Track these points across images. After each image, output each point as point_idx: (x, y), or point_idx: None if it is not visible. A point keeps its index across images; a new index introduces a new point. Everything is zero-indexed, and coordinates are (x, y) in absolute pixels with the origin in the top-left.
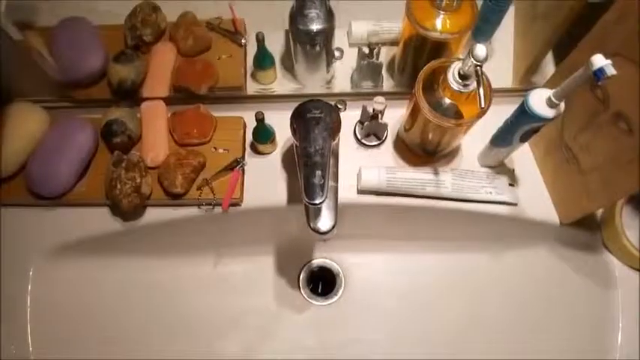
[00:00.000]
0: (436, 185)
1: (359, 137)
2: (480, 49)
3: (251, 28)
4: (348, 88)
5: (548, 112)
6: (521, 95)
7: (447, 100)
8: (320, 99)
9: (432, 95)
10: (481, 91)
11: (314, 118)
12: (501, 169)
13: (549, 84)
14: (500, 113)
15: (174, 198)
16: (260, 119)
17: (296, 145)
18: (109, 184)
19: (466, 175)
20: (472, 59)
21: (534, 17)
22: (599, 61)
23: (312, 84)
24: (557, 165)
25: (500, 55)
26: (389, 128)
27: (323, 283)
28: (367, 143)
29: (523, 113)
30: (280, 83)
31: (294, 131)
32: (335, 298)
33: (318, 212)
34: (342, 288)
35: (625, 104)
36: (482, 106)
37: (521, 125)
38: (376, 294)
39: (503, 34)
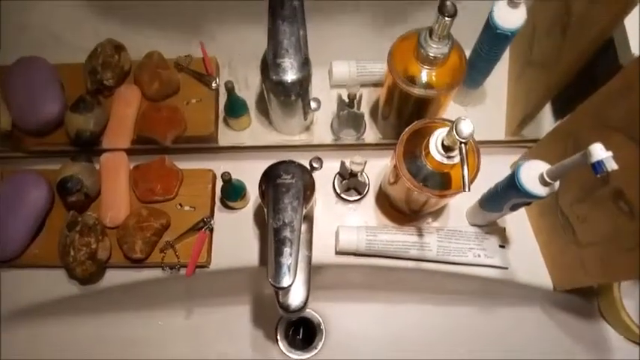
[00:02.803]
0: (420, 248)
1: (338, 192)
2: (465, 126)
3: (225, 66)
4: (328, 134)
5: (541, 191)
6: (516, 146)
7: (431, 167)
8: (292, 161)
9: (414, 161)
10: (465, 171)
11: (284, 185)
12: (491, 227)
13: (542, 148)
14: (492, 165)
15: (135, 262)
16: (227, 180)
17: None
18: (62, 249)
19: (453, 235)
20: (455, 134)
21: (529, 63)
22: (598, 152)
23: (290, 130)
24: (552, 229)
25: (493, 100)
26: (372, 179)
27: (303, 334)
28: (347, 198)
29: (513, 187)
30: (255, 129)
31: (262, 195)
32: (315, 352)
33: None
34: (323, 340)
35: (626, 184)
36: (466, 190)
37: (510, 198)
38: (360, 347)
39: (498, 77)
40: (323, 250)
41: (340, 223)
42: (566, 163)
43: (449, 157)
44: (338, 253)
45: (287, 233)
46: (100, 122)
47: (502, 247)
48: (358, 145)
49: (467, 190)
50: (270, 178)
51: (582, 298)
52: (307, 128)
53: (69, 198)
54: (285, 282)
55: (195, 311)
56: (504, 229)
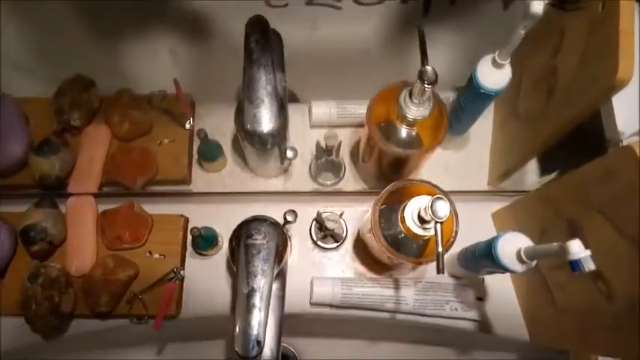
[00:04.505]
0: (396, 301)
1: (315, 239)
2: (441, 208)
3: (200, 103)
4: (306, 177)
5: (517, 267)
6: (498, 196)
7: (407, 234)
8: (265, 218)
9: (391, 225)
10: (440, 251)
11: (255, 246)
12: (470, 279)
13: (524, 208)
14: (473, 213)
15: (100, 315)
16: (196, 235)
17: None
18: (24, 301)
19: (430, 288)
20: (431, 213)
21: (514, 114)
22: (576, 250)
23: (266, 173)
24: (531, 286)
25: (476, 146)
26: (350, 226)
27: None
28: (324, 246)
29: (490, 258)
30: (230, 170)
31: (232, 252)
32: None
33: None
34: None
35: (605, 267)
36: (440, 272)
37: (487, 266)
38: None
39: (483, 124)
40: (298, 300)
41: (316, 272)
42: (543, 250)
43: (425, 229)
44: (312, 304)
45: (256, 300)
46: (67, 165)
47: (480, 299)
48: (337, 192)
49: (441, 272)
50: (240, 237)
51: (558, 353)
52: (285, 171)
53: (32, 247)
54: (253, 352)
55: (166, 350)
56: (483, 280)
